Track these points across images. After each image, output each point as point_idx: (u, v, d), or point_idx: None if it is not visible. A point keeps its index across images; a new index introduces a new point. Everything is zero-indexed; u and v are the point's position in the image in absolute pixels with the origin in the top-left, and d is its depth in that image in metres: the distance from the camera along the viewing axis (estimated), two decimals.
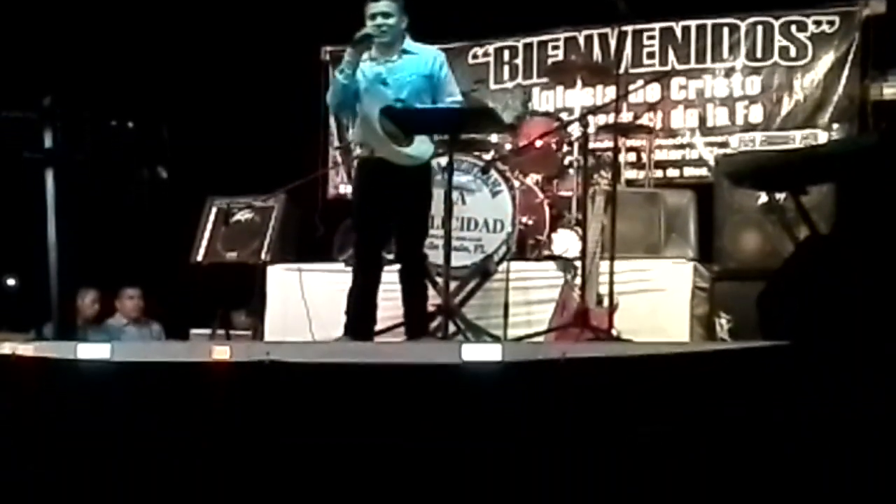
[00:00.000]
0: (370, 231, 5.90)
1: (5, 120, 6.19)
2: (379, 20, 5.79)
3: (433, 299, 6.24)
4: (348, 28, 5.96)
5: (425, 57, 5.91)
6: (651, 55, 8.31)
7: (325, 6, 7.95)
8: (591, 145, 6.67)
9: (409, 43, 5.92)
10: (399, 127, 5.74)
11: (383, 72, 5.83)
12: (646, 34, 8.31)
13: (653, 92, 8.13)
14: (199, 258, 7.37)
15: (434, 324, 6.05)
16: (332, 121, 9.15)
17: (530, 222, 6.70)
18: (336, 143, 9.19)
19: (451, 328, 5.87)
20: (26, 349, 4.65)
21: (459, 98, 6.00)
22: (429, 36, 8.17)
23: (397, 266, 5.91)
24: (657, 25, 8.29)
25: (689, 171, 8.19)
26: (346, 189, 9.17)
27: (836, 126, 7.65)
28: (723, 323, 6.41)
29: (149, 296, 8.38)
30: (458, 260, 6.11)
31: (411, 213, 5.83)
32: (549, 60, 8.46)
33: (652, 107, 7.99)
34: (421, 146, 5.84)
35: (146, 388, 4.28)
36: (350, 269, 6.12)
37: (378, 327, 5.98)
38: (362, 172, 5.97)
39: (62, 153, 6.33)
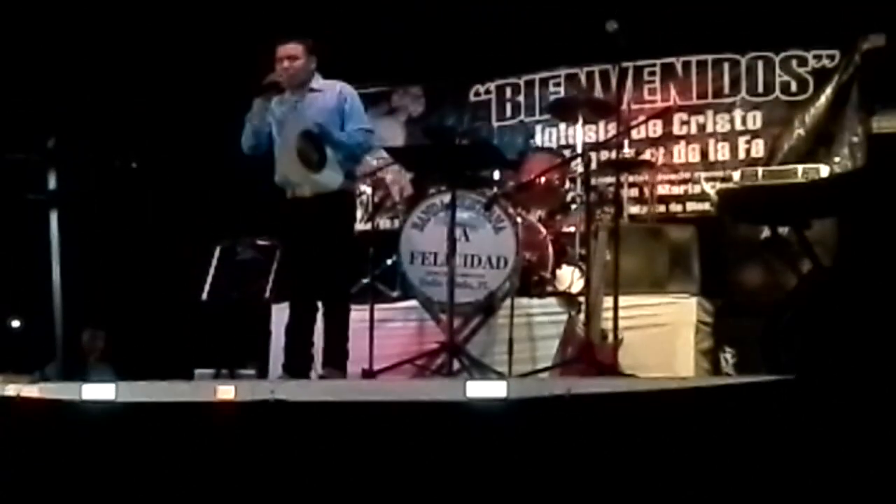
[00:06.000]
0: (298, 271, 5.99)
1: (9, 162, 6.22)
2: (286, 63, 5.91)
3: (437, 336, 6.25)
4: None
5: (331, 93, 6.00)
6: (652, 91, 8.32)
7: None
8: (594, 181, 6.68)
9: (317, 81, 6.03)
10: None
11: (293, 108, 5.96)
12: (647, 70, 8.32)
13: (654, 128, 8.15)
14: (204, 297, 7.38)
15: (438, 361, 6.05)
16: None
17: (533, 258, 6.70)
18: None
19: (456, 365, 5.87)
20: (31, 390, 4.64)
21: (366, 126, 6.06)
22: (428, 74, 8.20)
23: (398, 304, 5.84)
24: (658, 62, 8.31)
25: (691, 206, 8.17)
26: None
27: (838, 160, 7.63)
28: (727, 357, 6.40)
29: (155, 335, 8.35)
30: (461, 297, 6.12)
31: (329, 244, 5.85)
32: (551, 97, 8.48)
33: (654, 142, 8.01)
34: (331, 174, 5.89)
35: (151, 428, 4.27)
36: (356, 305, 6.14)
37: (382, 365, 5.98)
38: (282, 216, 6.05)
39: (66, 195, 6.35)
